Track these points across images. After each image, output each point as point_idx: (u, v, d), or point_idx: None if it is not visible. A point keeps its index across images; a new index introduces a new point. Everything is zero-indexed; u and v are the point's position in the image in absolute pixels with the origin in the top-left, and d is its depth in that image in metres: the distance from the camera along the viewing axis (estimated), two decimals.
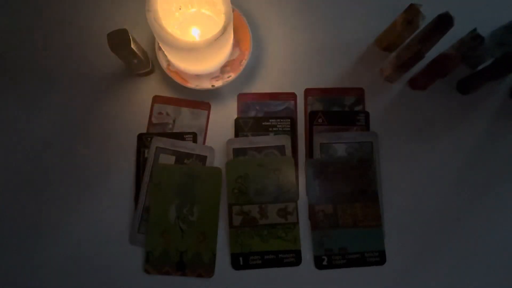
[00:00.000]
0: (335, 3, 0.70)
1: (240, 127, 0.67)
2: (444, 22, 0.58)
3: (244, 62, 0.66)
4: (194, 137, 0.66)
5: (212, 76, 0.66)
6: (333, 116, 0.67)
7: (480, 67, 0.67)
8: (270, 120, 0.67)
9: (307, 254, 0.64)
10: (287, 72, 0.69)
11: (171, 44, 0.56)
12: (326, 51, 0.69)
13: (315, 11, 0.70)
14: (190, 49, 0.56)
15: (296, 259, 0.64)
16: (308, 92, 0.68)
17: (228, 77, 0.65)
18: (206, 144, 0.67)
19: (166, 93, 0.67)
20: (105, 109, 0.67)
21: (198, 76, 0.66)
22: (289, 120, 0.67)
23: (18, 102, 0.67)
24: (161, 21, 0.56)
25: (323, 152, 0.66)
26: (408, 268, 0.64)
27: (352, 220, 0.64)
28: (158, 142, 0.65)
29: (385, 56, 0.68)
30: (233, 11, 0.60)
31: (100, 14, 0.69)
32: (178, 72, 0.65)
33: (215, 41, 0.55)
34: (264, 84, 0.68)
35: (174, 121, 0.67)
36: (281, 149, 0.66)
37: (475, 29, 0.61)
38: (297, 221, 0.64)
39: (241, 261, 0.63)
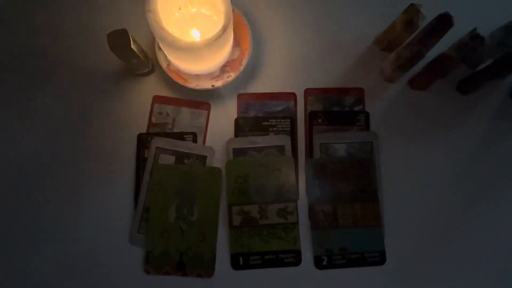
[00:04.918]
0: (335, 3, 0.70)
1: (240, 127, 0.67)
2: (444, 22, 0.58)
3: (244, 62, 0.66)
4: (194, 137, 0.66)
5: (212, 76, 0.66)
6: (333, 116, 0.67)
7: (480, 67, 0.67)
8: (270, 120, 0.67)
9: (307, 254, 0.64)
10: (287, 72, 0.69)
11: (171, 44, 0.56)
12: (326, 51, 0.69)
13: (315, 11, 0.70)
14: (190, 49, 0.56)
15: (296, 259, 0.64)
16: (308, 92, 0.68)
17: (228, 77, 0.65)
18: (206, 144, 0.67)
19: (166, 93, 0.67)
20: (105, 109, 0.67)
21: (198, 76, 0.66)
22: (289, 120, 0.67)
23: (18, 102, 0.67)
24: (161, 21, 0.56)
25: (323, 152, 0.66)
26: (408, 268, 0.65)
27: (352, 220, 0.64)
28: (158, 142, 0.65)
29: (385, 56, 0.68)
30: (233, 11, 0.60)
31: (100, 14, 0.69)
32: (178, 72, 0.65)
33: (215, 41, 0.55)
34: (264, 84, 0.68)
35: (174, 121, 0.67)
36: (281, 149, 0.66)
37: (475, 29, 0.61)
38: (297, 221, 0.64)
39: (241, 261, 0.63)
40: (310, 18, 0.70)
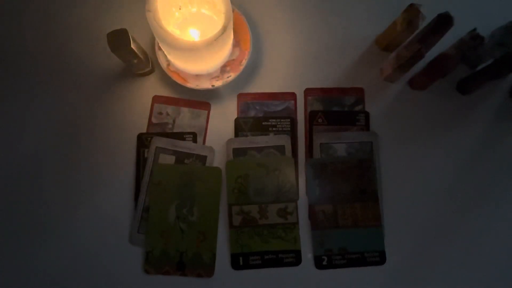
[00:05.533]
0: (335, 3, 0.70)
1: (240, 127, 0.67)
2: (444, 22, 0.58)
3: (244, 62, 0.66)
4: (194, 137, 0.66)
5: (212, 76, 0.66)
6: (333, 116, 0.67)
7: (480, 67, 0.67)
8: (270, 120, 0.67)
9: (307, 254, 0.64)
10: (287, 72, 0.69)
11: (171, 44, 0.56)
12: (326, 51, 0.69)
13: (315, 11, 0.70)
14: (190, 49, 0.56)
15: (296, 259, 0.64)
16: (308, 92, 0.68)
17: (228, 77, 0.65)
18: (206, 144, 0.67)
19: (166, 93, 0.67)
20: (105, 109, 0.67)
21: (198, 76, 0.66)
22: (289, 120, 0.67)
23: (18, 102, 0.67)
24: (161, 21, 0.56)
25: (323, 152, 0.66)
26: (408, 268, 0.64)
27: (352, 220, 0.64)
28: (158, 142, 0.65)
29: (385, 56, 0.68)
30: (233, 11, 0.60)
31: (100, 14, 0.69)
32: (178, 72, 0.65)
33: (215, 41, 0.55)
34: (264, 84, 0.68)
35: (174, 121, 0.67)
36: (281, 149, 0.66)
37: (475, 29, 0.61)
38: (297, 221, 0.64)
39: (241, 261, 0.63)
40: (310, 18, 0.70)
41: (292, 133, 0.67)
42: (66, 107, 0.67)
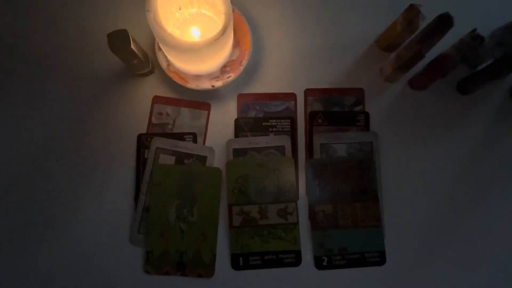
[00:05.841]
0: (335, 3, 0.70)
1: (240, 128, 0.67)
2: (444, 22, 0.58)
3: (244, 62, 0.66)
4: (194, 137, 0.66)
5: (212, 76, 0.66)
6: (333, 116, 0.67)
7: (480, 67, 0.67)
8: (270, 121, 0.67)
9: (307, 255, 0.64)
10: (287, 72, 0.69)
11: (171, 45, 0.56)
12: (326, 51, 0.69)
13: (315, 11, 0.70)
14: (190, 50, 0.56)
15: (296, 260, 0.64)
16: (308, 92, 0.68)
17: (228, 78, 0.65)
18: (206, 144, 0.67)
19: (166, 93, 0.67)
20: (105, 109, 0.67)
21: (198, 77, 0.66)
22: (289, 120, 0.67)
23: (18, 102, 0.67)
24: (161, 21, 0.56)
25: (323, 152, 0.66)
26: (408, 268, 0.65)
27: (352, 220, 0.64)
28: (158, 143, 0.65)
29: (385, 56, 0.68)
30: (233, 11, 0.60)
31: (100, 14, 0.69)
32: (178, 72, 0.65)
33: (215, 42, 0.55)
34: (264, 84, 0.68)
35: (174, 121, 0.67)
36: (281, 149, 0.66)
37: (475, 29, 0.61)
38: (297, 221, 0.64)
39: (241, 261, 0.63)
40: (310, 18, 0.70)
41: (292, 133, 0.67)
42: (66, 107, 0.67)
